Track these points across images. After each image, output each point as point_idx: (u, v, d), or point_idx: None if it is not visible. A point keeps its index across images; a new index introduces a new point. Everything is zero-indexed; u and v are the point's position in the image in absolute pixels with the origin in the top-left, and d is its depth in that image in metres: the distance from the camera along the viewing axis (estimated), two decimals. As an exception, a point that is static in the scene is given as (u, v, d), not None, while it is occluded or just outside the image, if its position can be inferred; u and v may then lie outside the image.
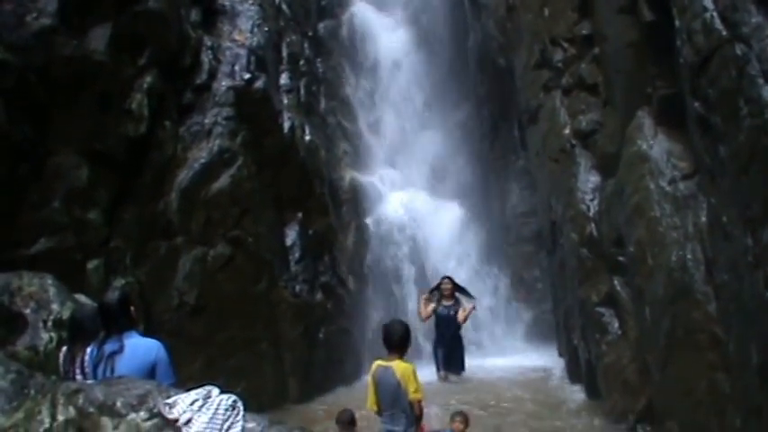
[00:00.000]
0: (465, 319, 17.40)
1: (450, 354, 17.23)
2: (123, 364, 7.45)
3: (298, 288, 17.18)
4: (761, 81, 9.04)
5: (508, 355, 19.64)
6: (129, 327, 7.82)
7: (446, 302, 17.36)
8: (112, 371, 7.45)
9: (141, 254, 14.50)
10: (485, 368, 18.15)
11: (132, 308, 8.11)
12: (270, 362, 16.03)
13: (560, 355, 18.22)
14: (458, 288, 17.58)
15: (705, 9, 10.19)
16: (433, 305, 17.39)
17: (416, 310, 18.01)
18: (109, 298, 8.34)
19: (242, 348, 15.45)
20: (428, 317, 17.36)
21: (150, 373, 7.46)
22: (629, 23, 13.41)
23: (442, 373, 17.07)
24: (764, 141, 8.89)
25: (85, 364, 8.04)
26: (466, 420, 12.54)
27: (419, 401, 9.65)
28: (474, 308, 17.60)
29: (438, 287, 17.69)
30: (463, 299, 17.55)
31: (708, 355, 10.89)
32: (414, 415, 9.64)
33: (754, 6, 9.36)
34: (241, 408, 6.41)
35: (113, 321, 7.79)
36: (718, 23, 9.96)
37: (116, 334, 7.68)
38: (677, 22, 11.07)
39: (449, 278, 17.83)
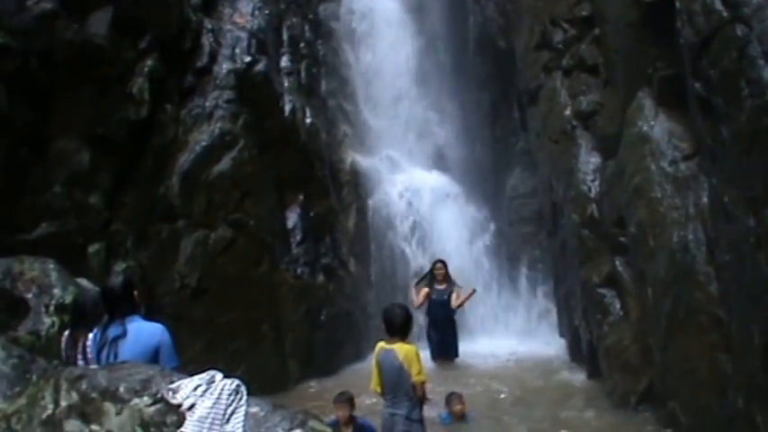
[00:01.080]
0: (460, 305, 17.45)
1: (444, 339, 17.25)
2: (127, 349, 7.52)
3: (299, 270, 17.21)
4: (761, 62, 9.07)
5: (509, 336, 19.63)
6: (132, 311, 7.90)
7: (439, 286, 17.40)
8: (116, 355, 7.51)
9: (143, 237, 14.52)
10: (485, 349, 18.19)
11: (135, 292, 8.14)
12: (271, 344, 16.09)
13: (561, 335, 18.24)
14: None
15: (705, -10, 10.18)
16: (426, 290, 17.44)
17: (408, 300, 17.48)
18: (112, 282, 8.41)
19: (243, 331, 15.50)
20: (421, 304, 17.30)
21: (154, 356, 7.53)
22: (630, 4, 13.40)
23: (439, 360, 17.09)
24: (766, 122, 8.91)
25: (88, 348, 8.20)
26: (461, 401, 12.70)
27: (422, 384, 9.75)
28: (474, 291, 17.67)
29: (430, 271, 17.78)
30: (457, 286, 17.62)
31: (709, 335, 10.90)
32: (416, 397, 9.72)
33: (755, -13, 9.35)
34: (244, 392, 6.42)
35: (116, 306, 7.85)
36: (718, 4, 9.98)
37: (119, 318, 7.75)
38: (677, 3, 11.12)
39: (441, 261, 17.85)
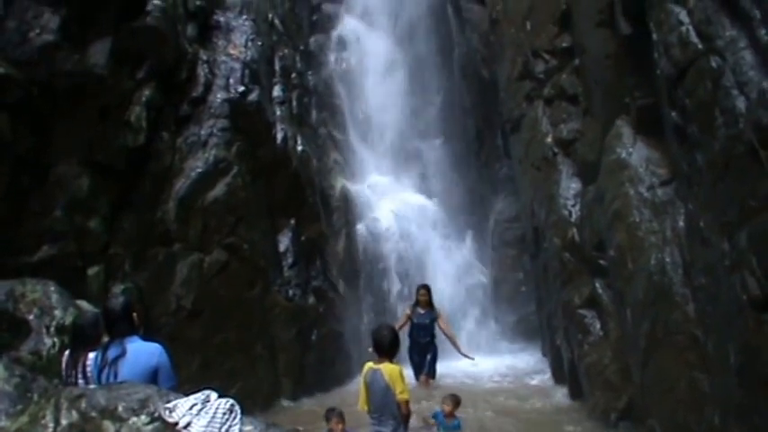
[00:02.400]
0: (450, 334, 17.74)
1: (424, 361, 17.36)
2: (126, 369, 7.65)
3: (291, 292, 17.39)
4: (735, 92, 9.25)
5: (494, 356, 19.86)
6: (131, 332, 8.01)
7: (421, 310, 17.39)
8: (116, 375, 7.63)
9: (140, 260, 14.59)
10: (468, 369, 18.36)
11: (134, 313, 8.24)
12: (264, 364, 16.22)
13: (544, 355, 18.51)
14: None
15: (681, 23, 10.43)
16: (407, 312, 17.54)
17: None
18: (112, 303, 8.40)
19: (237, 351, 15.61)
20: (401, 326, 16.64)
21: (153, 376, 7.66)
22: (608, 36, 13.70)
23: (422, 378, 17.20)
24: (739, 149, 9.09)
25: (88, 369, 8.26)
26: (455, 402, 12.91)
27: (406, 402, 9.97)
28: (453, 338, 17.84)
29: (415, 296, 17.85)
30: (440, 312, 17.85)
31: (687, 354, 11.10)
32: (401, 416, 10.00)
33: (728, 20, 9.55)
34: (238, 411, 6.61)
35: (116, 326, 7.99)
36: (693, 37, 10.19)
37: (118, 339, 7.89)
38: (654, 36, 11.31)
39: (425, 287, 17.84)
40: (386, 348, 10.01)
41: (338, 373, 18.07)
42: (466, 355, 17.43)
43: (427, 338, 17.31)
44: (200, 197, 15.65)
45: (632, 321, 12.56)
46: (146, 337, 8.40)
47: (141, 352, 7.87)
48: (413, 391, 11.40)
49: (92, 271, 13.73)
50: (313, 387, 17.10)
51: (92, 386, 7.58)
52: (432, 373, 17.40)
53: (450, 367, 18.08)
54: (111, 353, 7.82)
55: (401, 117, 24.27)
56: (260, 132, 17.34)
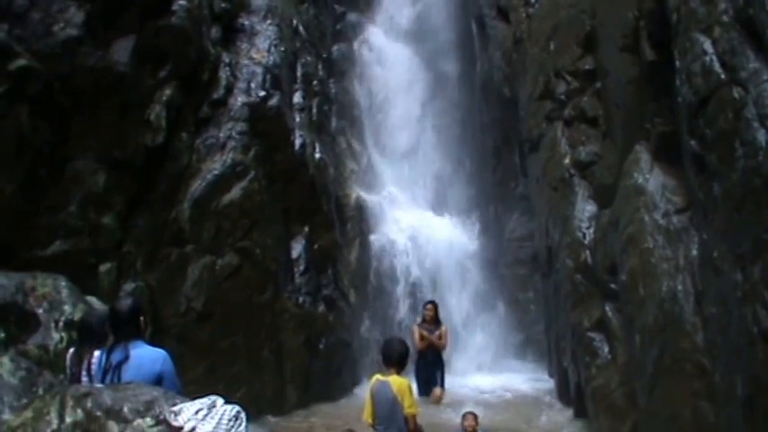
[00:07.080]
0: (443, 345, 17.68)
1: (432, 376, 17.25)
2: (130, 375, 7.58)
3: (301, 299, 17.40)
4: (756, 124, 9.23)
5: (500, 374, 19.88)
6: (136, 336, 7.95)
7: (428, 326, 17.48)
8: (119, 380, 7.57)
9: (152, 259, 14.63)
10: (475, 386, 18.46)
11: (142, 318, 8.20)
12: (270, 369, 16.21)
13: (550, 375, 18.45)
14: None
15: (705, 52, 10.40)
16: (420, 331, 17.42)
17: (413, 344, 16.51)
18: (120, 305, 8.35)
19: (244, 355, 15.61)
20: (422, 345, 17.22)
21: (156, 383, 7.53)
22: (631, 61, 13.66)
23: (435, 392, 17.16)
24: (757, 182, 9.09)
25: (93, 366, 8.27)
26: (476, 418, 12.82)
27: (413, 416, 9.92)
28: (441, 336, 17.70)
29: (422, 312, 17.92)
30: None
31: (694, 383, 11.06)
32: (408, 430, 9.97)
33: (752, 52, 9.55)
34: (244, 418, 6.59)
35: (122, 329, 7.93)
36: (717, 66, 10.16)
37: (123, 342, 7.83)
38: (677, 63, 11.29)
39: (432, 302, 17.95)
40: (395, 360, 9.97)
41: (344, 382, 18.07)
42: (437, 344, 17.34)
43: (435, 354, 17.27)
44: (216, 199, 15.71)
45: (640, 347, 12.49)
46: (154, 338, 8.42)
47: (145, 358, 7.81)
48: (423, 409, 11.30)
49: (103, 268, 13.76)
50: (318, 395, 17.06)
51: (97, 385, 7.55)
52: (442, 384, 17.34)
53: (454, 384, 18.01)
54: (115, 357, 7.78)
55: (419, 130, 24.33)
56: (278, 138, 17.38)
